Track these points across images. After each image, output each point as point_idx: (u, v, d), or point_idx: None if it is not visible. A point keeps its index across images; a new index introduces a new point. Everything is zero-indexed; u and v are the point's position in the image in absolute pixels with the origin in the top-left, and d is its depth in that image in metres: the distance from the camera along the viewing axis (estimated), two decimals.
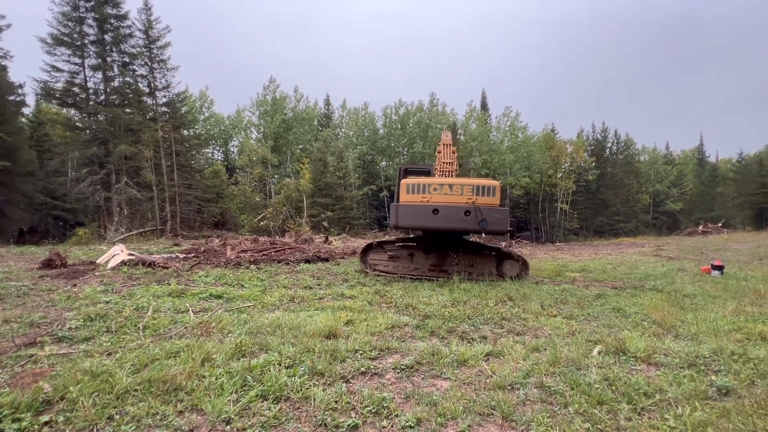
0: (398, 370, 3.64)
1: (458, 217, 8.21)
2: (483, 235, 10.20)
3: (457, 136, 43.21)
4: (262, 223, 31.24)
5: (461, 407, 2.89)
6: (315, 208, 32.75)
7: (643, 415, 2.84)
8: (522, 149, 46.21)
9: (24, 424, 2.48)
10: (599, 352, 4.05)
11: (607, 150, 54.94)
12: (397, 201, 8.79)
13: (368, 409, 2.87)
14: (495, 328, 5.16)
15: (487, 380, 3.41)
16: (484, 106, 55.93)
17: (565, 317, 5.76)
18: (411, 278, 9.41)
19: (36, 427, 2.48)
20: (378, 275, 9.63)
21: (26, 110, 29.78)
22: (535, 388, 3.25)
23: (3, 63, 24.98)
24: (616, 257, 17.50)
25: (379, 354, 4.04)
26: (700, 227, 39.79)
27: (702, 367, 3.68)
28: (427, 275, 9.57)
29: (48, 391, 2.84)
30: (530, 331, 5.07)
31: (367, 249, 10.61)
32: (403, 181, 8.54)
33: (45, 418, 2.57)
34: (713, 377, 3.43)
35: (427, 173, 10.67)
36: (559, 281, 9.71)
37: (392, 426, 2.68)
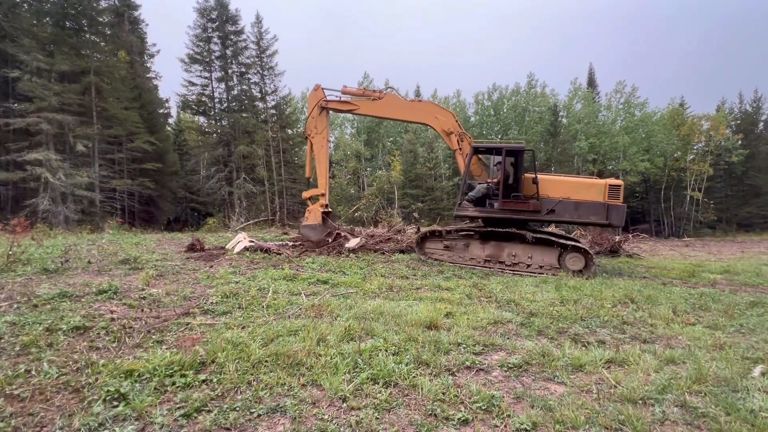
0: (505, 368, 3.50)
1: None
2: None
3: (558, 119, 39.29)
4: (356, 214, 32.88)
5: (582, 417, 2.65)
6: (406, 200, 33.27)
7: None
8: (639, 129, 39.94)
9: (188, 380, 3.03)
10: (762, 373, 3.33)
11: (761, 124, 44.28)
12: (612, 200, 8.95)
13: (477, 405, 2.82)
14: (615, 332, 4.61)
15: (611, 390, 3.07)
16: (591, 83, 49.55)
17: (708, 327, 4.88)
18: (467, 268, 9.41)
19: (197, 383, 3.00)
20: (473, 268, 9.41)
21: (170, 120, 36.12)
22: (676, 406, 2.81)
23: (155, 83, 30.58)
24: None
25: (483, 349, 3.94)
26: None
27: None
28: (482, 266, 9.49)
29: (202, 354, 3.41)
30: (661, 339, 4.41)
31: (424, 238, 10.56)
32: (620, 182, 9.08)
33: (202, 377, 3.10)
34: None
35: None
36: (694, 283, 8.28)
37: (505, 426, 2.59)
